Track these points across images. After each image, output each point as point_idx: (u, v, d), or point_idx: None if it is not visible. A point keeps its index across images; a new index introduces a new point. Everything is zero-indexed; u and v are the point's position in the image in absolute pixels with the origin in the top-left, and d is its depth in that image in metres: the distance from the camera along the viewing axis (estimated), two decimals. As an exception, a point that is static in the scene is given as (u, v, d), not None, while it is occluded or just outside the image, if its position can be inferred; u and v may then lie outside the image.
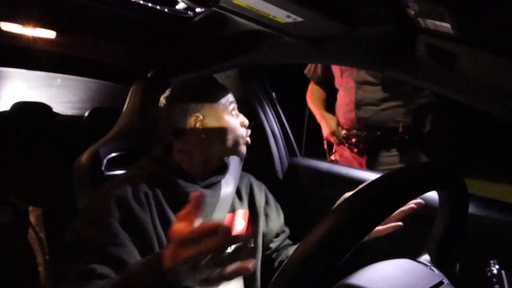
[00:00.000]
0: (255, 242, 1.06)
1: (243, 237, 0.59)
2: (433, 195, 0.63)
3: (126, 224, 0.81)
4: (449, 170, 0.60)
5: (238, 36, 1.08)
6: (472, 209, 0.97)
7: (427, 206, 0.97)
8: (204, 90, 0.98)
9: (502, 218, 0.95)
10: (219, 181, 1.02)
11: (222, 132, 0.97)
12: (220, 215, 1.00)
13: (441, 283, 0.60)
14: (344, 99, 1.77)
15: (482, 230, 0.96)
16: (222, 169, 1.04)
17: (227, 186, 1.05)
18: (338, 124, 1.83)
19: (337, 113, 1.85)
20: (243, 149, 1.02)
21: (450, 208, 0.63)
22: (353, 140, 1.72)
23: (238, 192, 1.10)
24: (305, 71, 2.00)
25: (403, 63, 0.82)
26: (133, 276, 0.66)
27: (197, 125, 0.95)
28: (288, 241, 1.17)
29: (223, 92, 1.00)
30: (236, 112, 1.02)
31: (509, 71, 0.65)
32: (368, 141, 1.68)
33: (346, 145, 1.77)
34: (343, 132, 1.77)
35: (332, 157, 1.88)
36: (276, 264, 1.11)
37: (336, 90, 1.87)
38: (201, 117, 0.95)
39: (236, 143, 0.99)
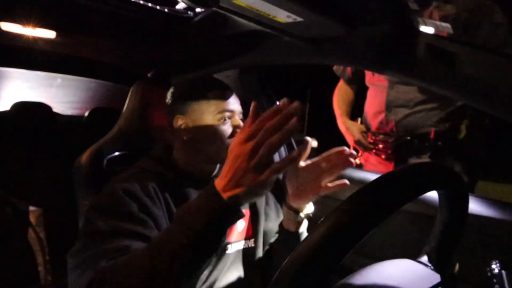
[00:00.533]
0: (256, 242, 1.06)
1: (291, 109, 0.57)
2: (433, 195, 0.63)
3: (143, 213, 0.80)
4: (449, 170, 0.60)
5: (238, 36, 1.08)
6: (472, 209, 0.97)
7: (427, 206, 0.97)
8: (192, 90, 0.93)
9: (502, 218, 0.95)
10: None
11: (203, 138, 0.92)
12: None
13: (441, 283, 0.60)
14: (374, 99, 1.65)
15: (482, 230, 0.96)
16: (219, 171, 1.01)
17: None
18: (362, 130, 1.72)
19: (366, 114, 1.73)
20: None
21: (450, 208, 0.63)
22: (380, 146, 1.61)
23: None
24: (334, 68, 1.88)
25: (403, 63, 0.82)
26: (189, 212, 0.62)
27: (182, 126, 0.93)
28: None
29: (216, 96, 0.91)
30: (232, 119, 0.93)
31: (509, 71, 0.66)
32: (396, 146, 1.56)
33: (374, 151, 1.65)
34: (369, 138, 1.66)
35: (357, 161, 1.76)
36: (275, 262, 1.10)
37: (365, 89, 1.76)
38: (183, 118, 0.92)
39: (218, 155, 0.92)
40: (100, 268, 0.66)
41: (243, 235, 1.04)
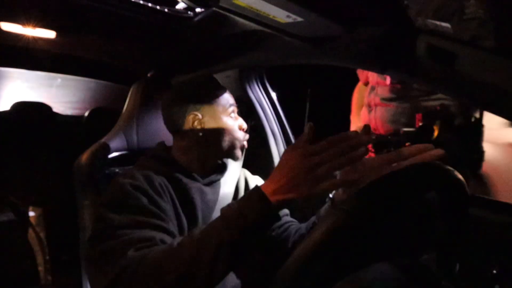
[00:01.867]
0: None
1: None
2: (433, 195, 0.63)
3: (154, 206, 0.80)
4: (449, 170, 0.60)
5: (238, 36, 1.08)
6: (472, 209, 0.97)
7: (427, 206, 0.97)
8: (204, 89, 0.98)
9: (502, 218, 0.95)
10: (219, 180, 1.03)
11: (219, 132, 0.97)
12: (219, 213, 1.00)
13: (441, 283, 0.60)
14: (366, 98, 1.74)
15: (482, 230, 0.96)
16: (222, 168, 1.05)
17: (227, 184, 1.06)
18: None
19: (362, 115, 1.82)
20: (239, 153, 1.01)
21: (450, 208, 0.63)
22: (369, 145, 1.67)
23: (236, 187, 1.11)
24: (358, 71, 1.96)
25: (403, 63, 0.82)
26: (236, 211, 0.65)
27: (195, 123, 0.95)
28: (289, 218, 1.12)
29: (223, 93, 0.99)
30: (235, 115, 1.01)
31: (509, 71, 0.66)
32: (377, 145, 1.59)
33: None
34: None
35: None
36: (290, 243, 1.04)
37: None
38: (199, 115, 0.95)
39: (232, 146, 0.99)
40: (130, 256, 0.66)
41: None
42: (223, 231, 0.64)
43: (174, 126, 0.97)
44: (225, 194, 1.03)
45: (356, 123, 1.87)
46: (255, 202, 0.65)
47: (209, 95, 0.97)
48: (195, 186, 0.95)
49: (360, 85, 1.96)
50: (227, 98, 0.99)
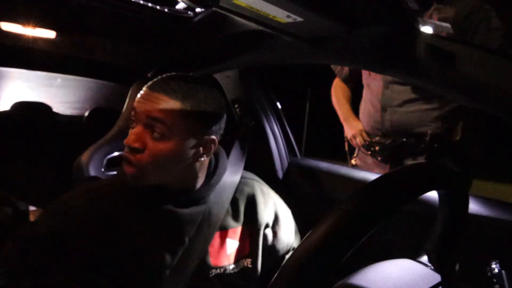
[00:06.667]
0: (254, 262, 0.94)
1: None
2: (433, 195, 0.63)
3: (72, 244, 0.73)
4: (449, 170, 0.60)
5: (238, 36, 1.08)
6: (472, 209, 0.97)
7: (427, 206, 0.97)
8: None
9: (502, 218, 0.95)
10: (203, 197, 0.88)
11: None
12: (202, 236, 0.85)
13: (441, 283, 0.60)
14: (370, 99, 1.64)
15: (482, 230, 0.96)
16: (205, 184, 0.89)
17: (214, 202, 0.89)
18: (361, 128, 1.70)
19: (361, 113, 1.73)
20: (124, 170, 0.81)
21: (450, 208, 0.63)
22: (377, 148, 1.60)
23: (233, 205, 0.93)
24: (332, 66, 1.86)
25: (403, 63, 0.82)
26: None
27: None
28: None
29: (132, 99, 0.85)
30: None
31: (509, 71, 0.66)
32: (393, 148, 1.54)
33: (369, 152, 1.64)
34: (367, 140, 1.65)
35: (353, 161, 1.77)
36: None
37: (360, 89, 1.74)
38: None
39: None
40: None
41: (234, 257, 0.92)
42: None
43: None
44: (211, 213, 0.87)
45: (353, 126, 1.74)
46: None
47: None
48: (166, 207, 0.82)
49: (337, 82, 1.86)
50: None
